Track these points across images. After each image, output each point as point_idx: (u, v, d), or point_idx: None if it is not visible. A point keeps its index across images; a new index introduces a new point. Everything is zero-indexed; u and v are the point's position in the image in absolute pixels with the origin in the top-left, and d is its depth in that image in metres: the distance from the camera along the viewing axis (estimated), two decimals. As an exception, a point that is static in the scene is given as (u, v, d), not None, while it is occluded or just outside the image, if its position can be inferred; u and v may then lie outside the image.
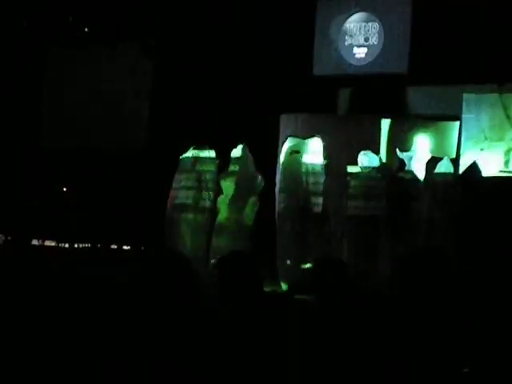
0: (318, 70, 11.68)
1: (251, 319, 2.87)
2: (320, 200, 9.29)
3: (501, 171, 10.18)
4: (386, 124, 11.83)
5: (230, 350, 2.06)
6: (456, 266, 3.62)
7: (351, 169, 10.15)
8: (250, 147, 11.37)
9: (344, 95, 11.75)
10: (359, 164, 9.68)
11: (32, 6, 11.30)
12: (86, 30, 11.78)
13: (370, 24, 11.50)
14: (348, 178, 9.78)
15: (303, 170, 9.59)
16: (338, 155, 11.33)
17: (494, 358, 3.05)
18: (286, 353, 2.79)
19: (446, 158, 10.17)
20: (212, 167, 10.51)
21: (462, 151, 10.58)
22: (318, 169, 9.51)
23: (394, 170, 10.13)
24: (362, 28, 11.56)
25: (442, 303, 3.19)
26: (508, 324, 3.32)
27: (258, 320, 2.87)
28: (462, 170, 10.15)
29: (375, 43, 11.44)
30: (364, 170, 9.52)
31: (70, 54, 13.08)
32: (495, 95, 10.43)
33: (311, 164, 9.64)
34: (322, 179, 9.53)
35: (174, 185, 10.46)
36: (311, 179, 9.52)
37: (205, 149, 10.66)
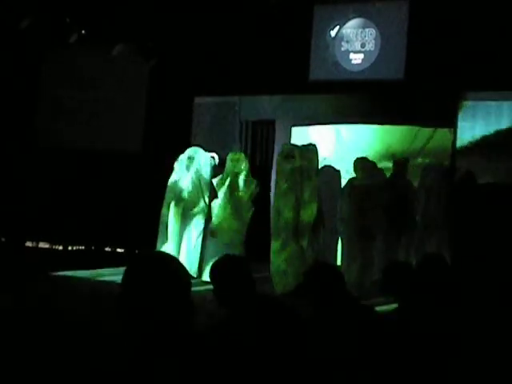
0: (314, 75, 11.70)
1: (245, 322, 2.87)
2: (315, 205, 9.27)
3: None
4: (380, 131, 11.89)
5: (224, 353, 2.05)
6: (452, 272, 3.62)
7: (347, 175, 10.18)
8: (244, 152, 11.40)
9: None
10: (354, 170, 9.68)
11: (30, 8, 11.29)
12: (84, 32, 11.77)
13: (367, 30, 11.53)
14: (344, 185, 9.78)
15: (298, 177, 9.55)
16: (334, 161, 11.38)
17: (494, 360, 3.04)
18: (279, 355, 2.79)
19: (440, 165, 10.20)
20: (207, 171, 10.52)
21: (456, 158, 10.62)
22: (313, 176, 9.48)
23: (390, 175, 10.13)
24: (359, 34, 11.59)
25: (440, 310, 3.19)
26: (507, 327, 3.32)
27: (251, 323, 2.87)
28: (456, 176, 10.18)
29: (372, 49, 11.46)
30: (359, 176, 9.51)
31: (67, 55, 13.08)
32: (490, 103, 10.46)
33: (306, 171, 9.60)
34: (316, 186, 9.51)
35: (169, 188, 10.46)
36: (306, 186, 9.49)
37: (199, 151, 10.67)
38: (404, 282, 3.58)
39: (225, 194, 10.25)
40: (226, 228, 10.13)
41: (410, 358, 3.01)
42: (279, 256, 9.12)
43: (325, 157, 11.32)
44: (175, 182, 10.47)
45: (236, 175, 10.27)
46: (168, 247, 10.28)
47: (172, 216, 10.36)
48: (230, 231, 10.10)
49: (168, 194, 10.46)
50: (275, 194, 9.53)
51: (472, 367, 2.96)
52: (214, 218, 10.29)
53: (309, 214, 9.15)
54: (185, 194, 10.40)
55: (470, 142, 10.53)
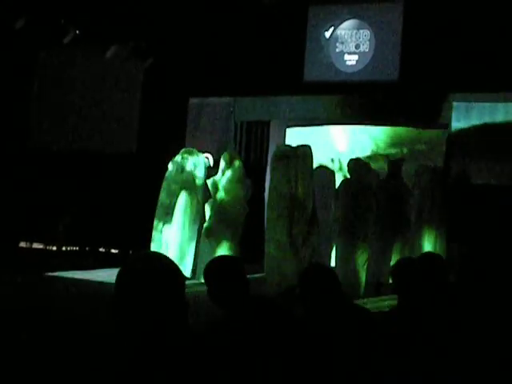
0: (308, 76, 11.71)
1: (240, 323, 2.87)
2: (310, 205, 9.29)
3: None
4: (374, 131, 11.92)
5: (219, 353, 2.05)
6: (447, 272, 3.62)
7: (341, 175, 10.21)
8: (239, 152, 11.40)
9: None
10: (348, 170, 9.70)
11: (25, 8, 11.28)
12: (78, 32, 11.75)
13: (361, 31, 11.54)
14: (338, 185, 9.80)
15: (293, 177, 9.56)
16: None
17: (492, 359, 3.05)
18: (274, 356, 2.79)
19: (435, 166, 10.22)
20: (201, 171, 10.53)
21: (450, 159, 10.64)
22: (307, 176, 9.49)
23: (384, 176, 10.16)
24: (354, 35, 11.60)
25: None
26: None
27: (246, 324, 2.87)
28: (451, 177, 10.21)
29: (366, 50, 11.48)
30: (353, 177, 9.53)
31: (60, 56, 13.06)
32: (484, 104, 10.49)
33: (301, 171, 9.61)
34: (311, 185, 9.52)
35: (164, 188, 10.47)
36: (301, 186, 9.50)
37: (194, 152, 10.68)
38: (409, 280, 3.55)
39: (219, 194, 10.26)
40: (221, 228, 10.13)
41: (405, 357, 3.01)
42: (274, 255, 9.12)
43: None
44: (171, 178, 10.49)
45: (230, 176, 10.29)
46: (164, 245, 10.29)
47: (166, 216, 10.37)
48: (225, 231, 10.11)
49: (166, 182, 10.48)
50: (269, 194, 9.54)
51: (469, 365, 2.97)
52: (208, 218, 10.29)
53: (303, 214, 9.16)
54: (180, 194, 10.40)
55: (464, 143, 10.55)
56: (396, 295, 3.67)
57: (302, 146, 9.64)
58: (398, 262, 3.92)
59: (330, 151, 12.05)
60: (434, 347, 3.01)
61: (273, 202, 9.30)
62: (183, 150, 10.79)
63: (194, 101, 12.60)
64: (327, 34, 11.72)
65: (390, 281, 3.78)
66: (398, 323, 3.28)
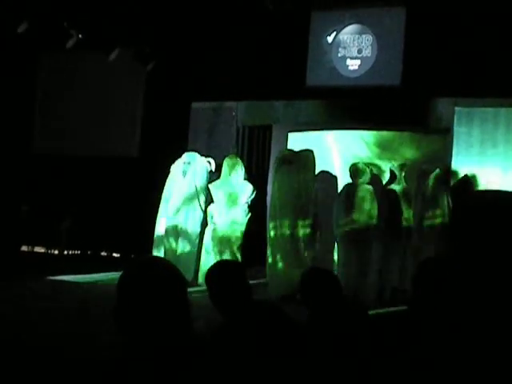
0: (311, 81, 11.70)
1: (242, 328, 2.87)
2: (312, 209, 9.29)
3: None
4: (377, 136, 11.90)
5: (222, 359, 2.05)
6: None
7: (343, 180, 10.20)
8: (241, 157, 11.40)
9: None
10: (350, 175, 9.69)
11: (27, 12, 11.29)
12: (80, 36, 11.76)
13: (364, 36, 11.53)
14: (340, 190, 9.80)
15: (295, 182, 9.56)
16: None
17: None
18: (276, 361, 2.79)
19: (437, 171, 10.21)
20: (203, 176, 10.54)
21: (452, 164, 10.63)
22: (310, 181, 9.49)
23: (386, 181, 10.15)
24: (356, 40, 11.59)
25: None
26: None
27: (248, 329, 2.87)
28: (453, 182, 10.20)
29: (368, 55, 11.47)
30: (355, 181, 9.53)
31: (63, 60, 13.08)
32: (487, 109, 10.48)
33: (303, 176, 9.61)
34: (313, 189, 9.52)
35: (166, 192, 10.48)
36: (303, 191, 9.50)
37: (196, 157, 10.69)
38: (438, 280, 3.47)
39: (222, 198, 10.26)
40: (223, 233, 10.13)
41: (408, 361, 3.01)
42: (276, 261, 9.13)
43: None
44: (173, 182, 10.51)
45: (232, 180, 10.29)
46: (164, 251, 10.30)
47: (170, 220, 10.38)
48: (227, 236, 10.10)
49: (168, 186, 10.51)
50: (271, 198, 9.54)
51: (472, 370, 2.96)
52: (209, 223, 10.29)
53: (305, 219, 9.16)
54: (181, 199, 10.40)
55: (467, 148, 10.55)
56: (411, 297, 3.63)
57: (305, 150, 9.63)
58: (426, 261, 3.87)
59: (330, 156, 12.02)
60: (440, 349, 3.00)
61: (275, 206, 9.30)
62: (185, 154, 10.80)
63: (196, 105, 12.59)
64: (329, 39, 11.71)
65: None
66: (414, 325, 3.25)
